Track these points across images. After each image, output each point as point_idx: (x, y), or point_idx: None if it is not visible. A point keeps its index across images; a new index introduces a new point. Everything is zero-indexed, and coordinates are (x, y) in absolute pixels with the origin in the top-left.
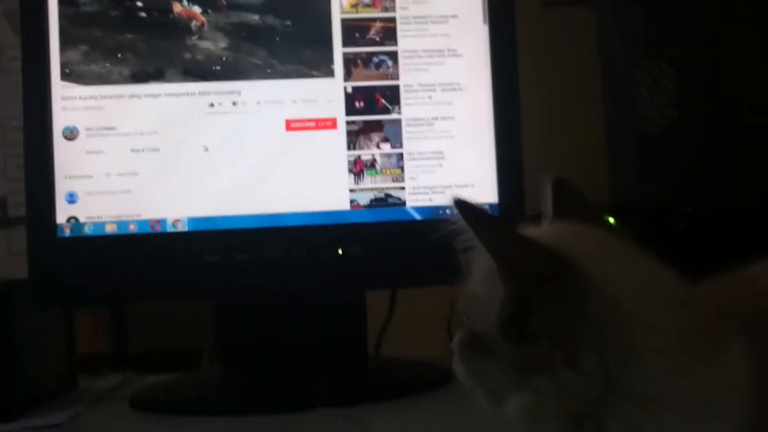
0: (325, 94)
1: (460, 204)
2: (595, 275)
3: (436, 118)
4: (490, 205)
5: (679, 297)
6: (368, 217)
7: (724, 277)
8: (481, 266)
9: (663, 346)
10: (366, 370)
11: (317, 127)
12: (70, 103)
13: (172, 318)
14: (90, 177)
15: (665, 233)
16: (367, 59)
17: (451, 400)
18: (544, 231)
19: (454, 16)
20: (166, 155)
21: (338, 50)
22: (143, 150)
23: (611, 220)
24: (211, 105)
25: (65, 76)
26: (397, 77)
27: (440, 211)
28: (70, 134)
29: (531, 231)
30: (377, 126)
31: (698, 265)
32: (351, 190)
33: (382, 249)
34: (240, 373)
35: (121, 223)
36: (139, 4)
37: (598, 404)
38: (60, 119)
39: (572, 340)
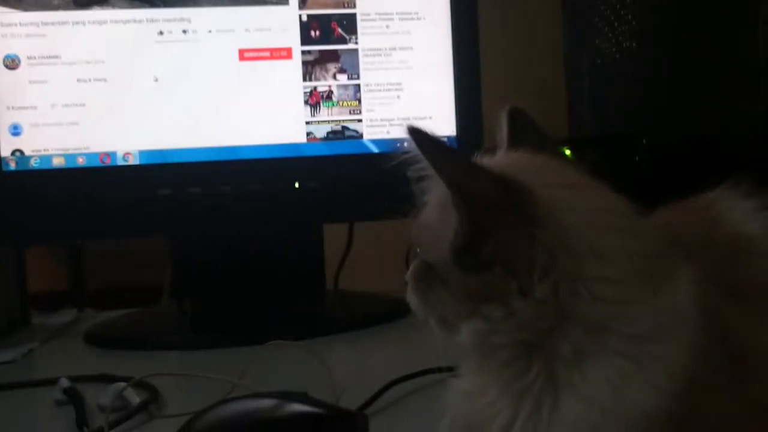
0: (280, 23)
1: (414, 132)
2: (548, 203)
3: (393, 49)
4: (449, 138)
5: (631, 226)
6: (325, 150)
7: (676, 206)
8: (434, 196)
9: (613, 274)
10: (323, 303)
11: (271, 57)
12: (10, 29)
13: (133, 254)
14: (34, 108)
15: (621, 165)
16: None
17: (408, 332)
18: (498, 160)
19: None
20: (114, 86)
21: None
22: (90, 80)
23: (567, 151)
24: (161, 33)
25: (3, 1)
26: (353, 5)
27: (398, 144)
28: (11, 63)
29: (485, 160)
30: (333, 56)
31: (653, 196)
32: (307, 123)
33: (339, 182)
34: (196, 308)
35: (68, 156)
36: None
37: (549, 333)
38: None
39: (524, 268)
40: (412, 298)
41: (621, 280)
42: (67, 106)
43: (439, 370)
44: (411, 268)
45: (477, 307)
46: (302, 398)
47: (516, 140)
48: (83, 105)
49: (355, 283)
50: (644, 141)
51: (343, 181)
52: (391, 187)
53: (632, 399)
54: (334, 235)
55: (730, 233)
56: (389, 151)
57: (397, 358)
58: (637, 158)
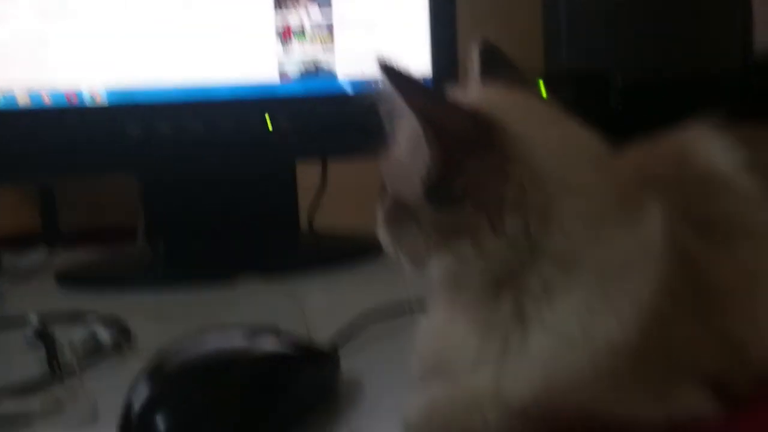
0: None
1: (386, 67)
2: (520, 137)
3: None
4: (424, 77)
5: (603, 161)
6: (298, 90)
7: (648, 143)
8: (405, 131)
9: (584, 208)
10: (297, 242)
11: None
12: None
13: (106, 194)
14: None
15: (594, 101)
16: None
17: (382, 271)
18: (470, 95)
19: None
20: (78, 20)
21: None
22: (53, 14)
23: (541, 86)
24: None
25: None
26: None
27: (372, 83)
28: None
29: (457, 95)
30: None
31: (626, 133)
32: (280, 60)
33: (313, 123)
34: (169, 247)
35: (34, 96)
36: None
37: (519, 269)
38: None
39: (495, 203)
40: (383, 234)
41: (591, 215)
42: (30, 41)
43: (411, 308)
44: (381, 204)
45: (447, 243)
46: (273, 334)
47: (487, 74)
48: (47, 41)
49: (332, 223)
50: (618, 78)
51: (317, 121)
52: (366, 126)
53: (599, 332)
54: (308, 175)
55: (700, 170)
56: (364, 91)
57: (371, 297)
58: (610, 95)
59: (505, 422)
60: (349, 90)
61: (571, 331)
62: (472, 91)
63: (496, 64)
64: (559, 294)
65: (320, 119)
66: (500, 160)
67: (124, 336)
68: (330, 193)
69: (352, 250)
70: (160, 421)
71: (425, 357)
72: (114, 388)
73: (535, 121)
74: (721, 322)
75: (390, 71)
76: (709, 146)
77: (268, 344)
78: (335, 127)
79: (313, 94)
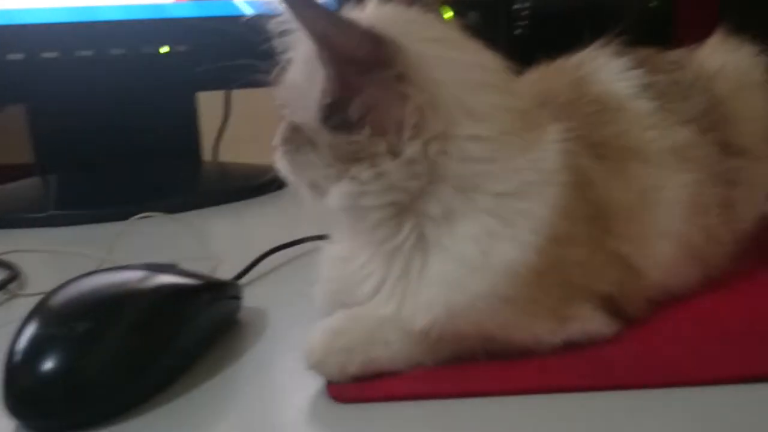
0: None
1: None
2: (419, 58)
3: None
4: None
5: (503, 83)
6: (195, 12)
7: (547, 65)
8: (300, 53)
9: (484, 132)
10: (199, 175)
11: None
12: None
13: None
14: None
15: (496, 24)
16: None
17: (287, 203)
18: (367, 13)
19: None
20: None
21: None
22: None
23: (448, 12)
24: None
25: None
26: None
27: (268, 4)
28: None
29: (354, 14)
30: None
31: (529, 57)
32: None
33: (211, 47)
34: (62, 183)
35: None
36: None
37: (420, 194)
38: None
39: (394, 127)
40: (281, 162)
41: (491, 138)
42: None
43: (317, 238)
44: (279, 130)
45: (346, 169)
46: (171, 269)
47: None
48: None
49: (233, 155)
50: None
51: (216, 46)
52: (270, 53)
53: (498, 254)
54: (211, 105)
55: (598, 92)
56: (265, 13)
57: (275, 229)
58: (511, 17)
59: (406, 345)
60: (247, 13)
61: (471, 254)
62: (370, 9)
63: None
64: (460, 218)
65: (220, 45)
66: (399, 81)
67: (12, 275)
68: (235, 123)
69: (256, 182)
70: (47, 360)
71: (329, 286)
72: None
73: (434, 40)
74: (614, 242)
75: None
76: (606, 69)
77: (166, 277)
78: (238, 52)
79: (211, 17)
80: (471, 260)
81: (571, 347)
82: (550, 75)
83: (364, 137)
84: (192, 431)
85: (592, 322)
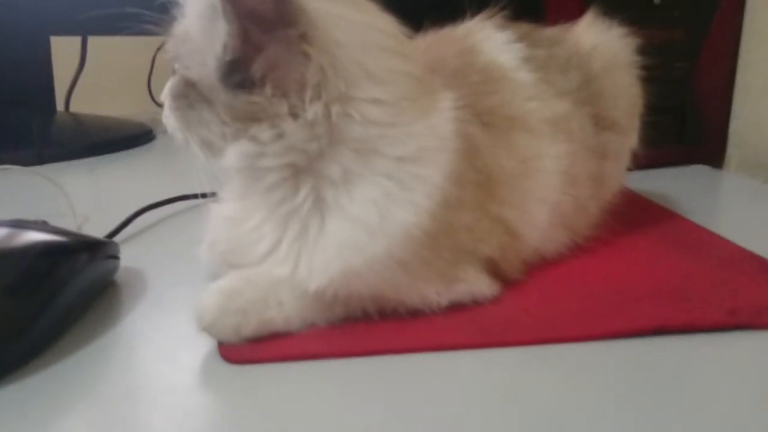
0: None
1: None
2: (323, 19)
3: None
4: None
5: (401, 47)
6: None
7: (436, 34)
8: (196, 5)
9: (384, 95)
10: (54, 127)
11: None
12: None
13: None
14: None
15: None
16: None
17: (150, 159)
18: None
19: None
20: None
21: None
22: None
23: None
24: None
25: None
26: None
27: None
28: None
29: None
30: None
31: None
32: None
33: None
34: None
35: None
36: None
37: (319, 156)
38: None
39: (296, 88)
40: (169, 119)
41: (390, 102)
42: None
43: (195, 196)
44: (168, 84)
45: (245, 128)
46: (41, 226)
47: None
48: None
49: (90, 106)
50: None
51: None
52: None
53: (395, 217)
54: (64, 51)
55: (484, 62)
56: None
57: (141, 185)
58: None
59: (300, 306)
60: None
61: (370, 217)
62: None
63: None
64: (359, 181)
65: None
66: (301, 40)
67: None
68: (90, 73)
69: (118, 136)
70: None
71: (217, 245)
72: None
73: (337, 2)
74: (497, 208)
75: None
76: (491, 41)
77: (36, 235)
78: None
79: None
80: (369, 223)
81: (456, 307)
82: (439, 43)
83: (265, 97)
84: (75, 396)
85: (476, 284)
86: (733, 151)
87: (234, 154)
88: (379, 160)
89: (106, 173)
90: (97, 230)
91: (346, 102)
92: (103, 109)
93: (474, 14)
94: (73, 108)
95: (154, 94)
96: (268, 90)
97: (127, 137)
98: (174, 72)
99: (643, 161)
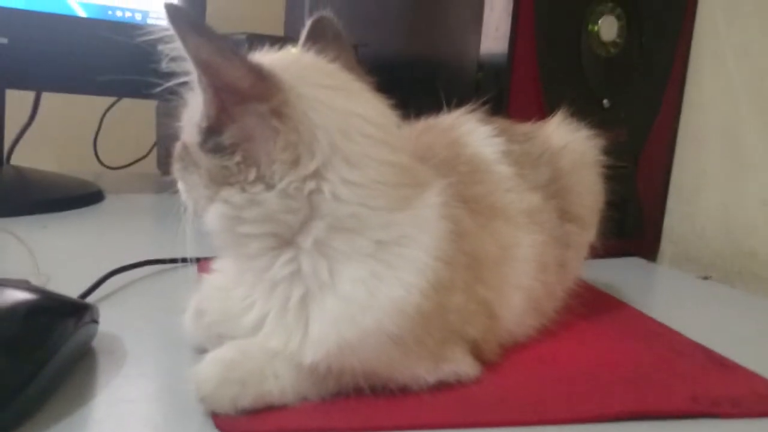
0: None
1: (170, 8)
2: (301, 100)
3: None
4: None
5: (386, 137)
6: (21, 4)
7: (424, 124)
8: (193, 75)
9: (357, 178)
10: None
11: None
12: None
13: None
14: None
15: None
16: None
17: (105, 217)
18: (275, 56)
19: None
20: None
21: None
22: None
23: None
24: None
25: None
26: None
27: (109, 11)
28: None
29: (263, 55)
30: None
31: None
32: None
33: (34, 43)
34: None
35: None
36: None
37: (300, 229)
38: None
39: (266, 160)
40: (177, 179)
41: (363, 185)
42: None
43: (167, 261)
44: (175, 148)
45: (217, 191)
46: (25, 286)
47: (312, 43)
48: None
49: (30, 159)
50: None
51: (40, 42)
52: (101, 58)
53: (384, 293)
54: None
55: (470, 154)
56: (100, 18)
57: (99, 246)
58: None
59: (295, 379)
60: (83, 15)
61: (358, 294)
62: (280, 53)
63: (324, 35)
64: (343, 259)
65: (45, 42)
66: (273, 116)
67: None
68: (40, 128)
69: (67, 193)
70: None
71: (207, 314)
72: None
73: (325, 87)
74: (483, 290)
75: (175, 13)
76: (475, 134)
77: (20, 294)
78: (62, 55)
79: (39, 13)
80: (358, 299)
81: (441, 386)
82: (427, 132)
83: (233, 163)
84: None
85: (462, 365)
86: (666, 245)
87: (212, 214)
88: (361, 241)
89: (61, 231)
90: (62, 291)
91: (320, 179)
92: (44, 164)
93: (450, 106)
94: (16, 161)
95: (99, 154)
96: (237, 157)
97: (78, 195)
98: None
99: (592, 252)
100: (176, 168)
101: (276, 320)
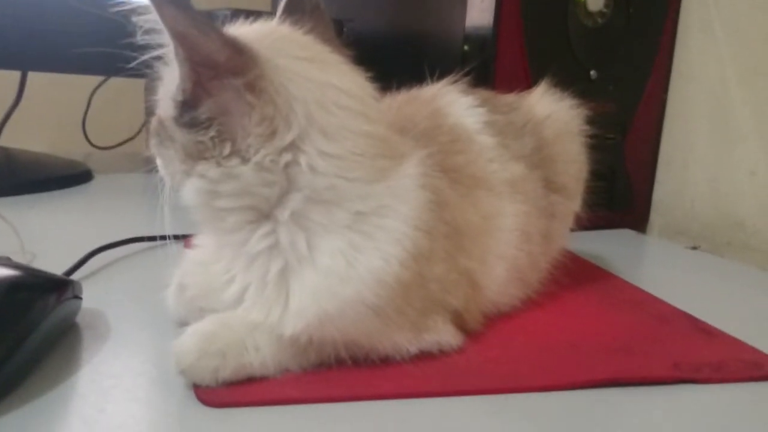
0: None
1: None
2: (277, 73)
3: None
4: None
5: (363, 108)
6: None
7: (406, 94)
8: (168, 50)
9: (331, 149)
10: None
11: None
12: None
13: None
14: None
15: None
16: None
17: (92, 196)
18: (249, 28)
19: None
20: None
21: None
22: None
23: None
24: None
25: None
26: None
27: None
28: None
29: (237, 27)
30: None
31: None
32: None
33: (18, 21)
34: None
35: None
36: None
37: (277, 201)
38: None
39: (242, 134)
40: (155, 155)
41: (340, 156)
42: None
43: (149, 239)
44: (150, 122)
45: (193, 165)
46: (5, 262)
47: (289, 14)
48: None
49: (19, 141)
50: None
51: (20, 20)
52: (87, 38)
53: (363, 264)
54: (1, 84)
55: (451, 124)
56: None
57: (84, 224)
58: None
59: (275, 351)
60: None
61: (337, 265)
62: (254, 25)
63: (302, 7)
64: (321, 232)
65: (24, 20)
66: (248, 90)
67: None
68: (25, 108)
69: (55, 173)
70: None
71: (187, 292)
72: None
73: (302, 59)
74: (464, 260)
75: None
76: (457, 104)
77: (3, 272)
78: (48, 34)
79: None
80: (338, 271)
81: (423, 356)
82: (409, 104)
83: (208, 138)
84: None
85: (443, 334)
86: (656, 217)
87: (188, 189)
88: (339, 213)
89: (48, 211)
90: (47, 268)
91: (296, 152)
92: (32, 144)
93: (436, 78)
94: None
95: (88, 133)
96: (212, 131)
97: (65, 176)
98: (156, 110)
99: (578, 223)
100: (153, 143)
101: (256, 293)
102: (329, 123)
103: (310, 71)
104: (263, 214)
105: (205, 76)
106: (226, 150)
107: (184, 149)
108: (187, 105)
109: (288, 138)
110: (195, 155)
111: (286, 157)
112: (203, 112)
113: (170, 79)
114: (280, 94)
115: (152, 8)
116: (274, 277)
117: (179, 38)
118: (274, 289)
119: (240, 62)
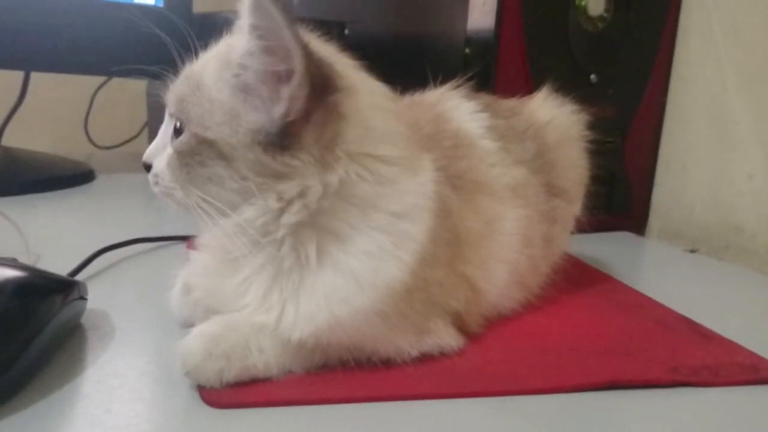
0: None
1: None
2: (354, 88)
3: None
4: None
5: (396, 109)
6: None
7: (410, 99)
8: (219, 71)
9: (389, 153)
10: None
11: None
12: None
13: None
14: None
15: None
16: None
17: (95, 197)
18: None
19: None
20: None
21: None
22: None
23: None
24: None
25: None
26: None
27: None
28: None
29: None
30: None
31: None
32: None
33: (21, 23)
34: None
35: None
36: None
37: (319, 213)
38: None
39: (328, 150)
40: (166, 172)
41: (395, 160)
42: None
43: (153, 240)
44: (177, 141)
45: (271, 186)
46: (12, 263)
47: None
48: None
49: (21, 140)
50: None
51: (24, 21)
52: (91, 40)
53: (384, 272)
54: (5, 84)
55: (454, 129)
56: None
57: (88, 225)
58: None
59: (280, 353)
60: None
61: (363, 269)
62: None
63: None
64: (355, 234)
65: (25, 21)
66: (339, 110)
67: None
68: (27, 108)
69: (58, 173)
70: None
71: (194, 293)
72: None
73: (352, 68)
74: (462, 266)
75: (273, 7)
76: (459, 109)
77: (10, 273)
78: (45, 33)
79: None
80: (360, 275)
81: (424, 358)
82: (413, 108)
83: (304, 161)
84: None
85: (444, 337)
86: (655, 220)
87: (255, 208)
88: (377, 215)
89: (51, 211)
90: (52, 269)
91: (364, 160)
92: (35, 144)
93: (438, 83)
94: (5, 142)
95: (90, 134)
96: (305, 151)
97: (68, 176)
98: (183, 128)
99: (577, 226)
100: (182, 163)
101: (264, 296)
102: (385, 128)
103: (367, 83)
104: (303, 225)
105: (311, 97)
106: (312, 169)
107: (258, 168)
108: (283, 128)
109: (358, 147)
110: (276, 175)
111: (356, 167)
112: (306, 135)
113: (228, 100)
114: (358, 106)
115: (285, 35)
116: (288, 280)
117: (306, 61)
118: (283, 292)
119: (332, 79)
